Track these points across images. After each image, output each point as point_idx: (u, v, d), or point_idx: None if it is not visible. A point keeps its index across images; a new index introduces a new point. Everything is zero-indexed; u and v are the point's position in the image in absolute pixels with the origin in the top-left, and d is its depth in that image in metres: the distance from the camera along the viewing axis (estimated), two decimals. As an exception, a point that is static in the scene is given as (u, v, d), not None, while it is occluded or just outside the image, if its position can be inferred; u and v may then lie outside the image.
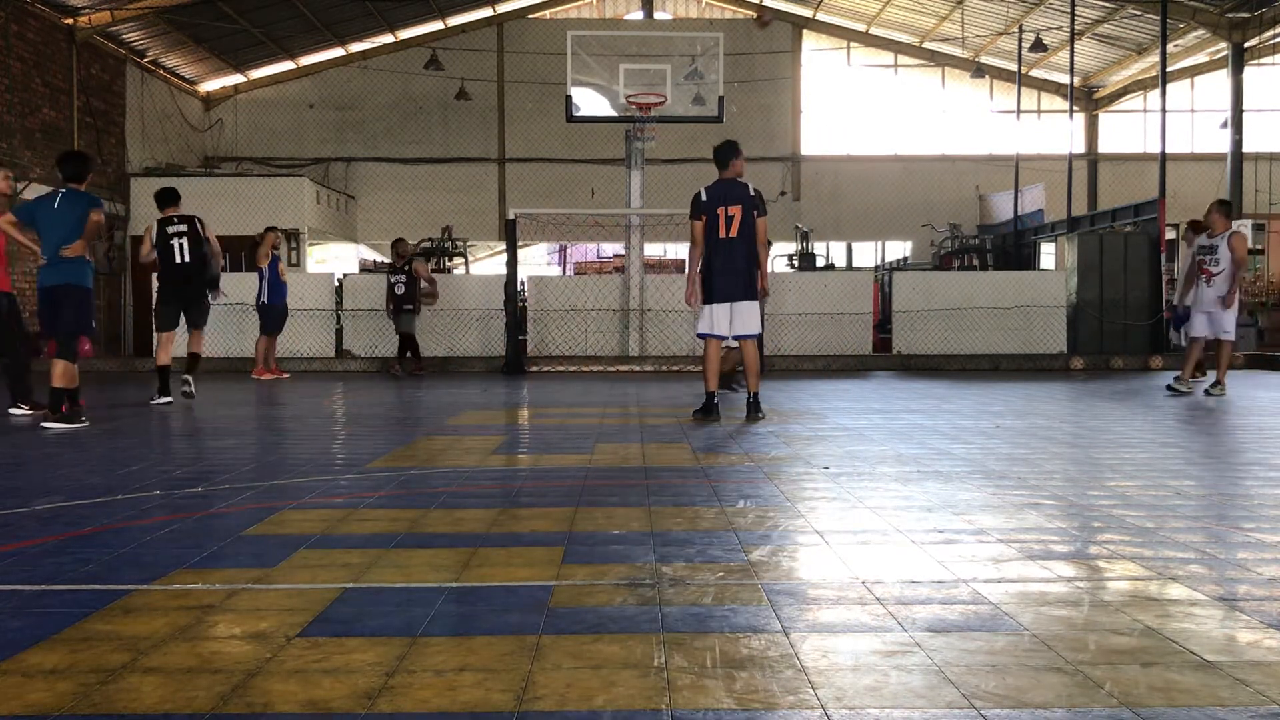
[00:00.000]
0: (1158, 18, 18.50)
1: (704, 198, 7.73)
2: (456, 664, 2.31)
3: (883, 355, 16.77)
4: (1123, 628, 2.59)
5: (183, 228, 9.78)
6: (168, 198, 9.93)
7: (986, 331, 16.65)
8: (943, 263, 23.76)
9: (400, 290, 14.80)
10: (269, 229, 14.26)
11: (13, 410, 7.99)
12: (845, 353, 16.41)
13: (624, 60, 16.06)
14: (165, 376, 9.49)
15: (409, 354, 14.85)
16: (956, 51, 26.48)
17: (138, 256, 10.88)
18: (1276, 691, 2.14)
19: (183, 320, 9.89)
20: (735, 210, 7.63)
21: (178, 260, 9.73)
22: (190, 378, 9.92)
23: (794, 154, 26.67)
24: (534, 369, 15.48)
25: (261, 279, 13.86)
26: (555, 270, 34.62)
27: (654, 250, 25.22)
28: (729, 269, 7.68)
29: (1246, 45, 20.38)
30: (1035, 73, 26.61)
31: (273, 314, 13.96)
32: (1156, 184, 17.69)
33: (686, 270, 9.50)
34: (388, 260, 29.52)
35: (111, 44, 20.25)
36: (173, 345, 9.79)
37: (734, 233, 7.63)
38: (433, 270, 22.66)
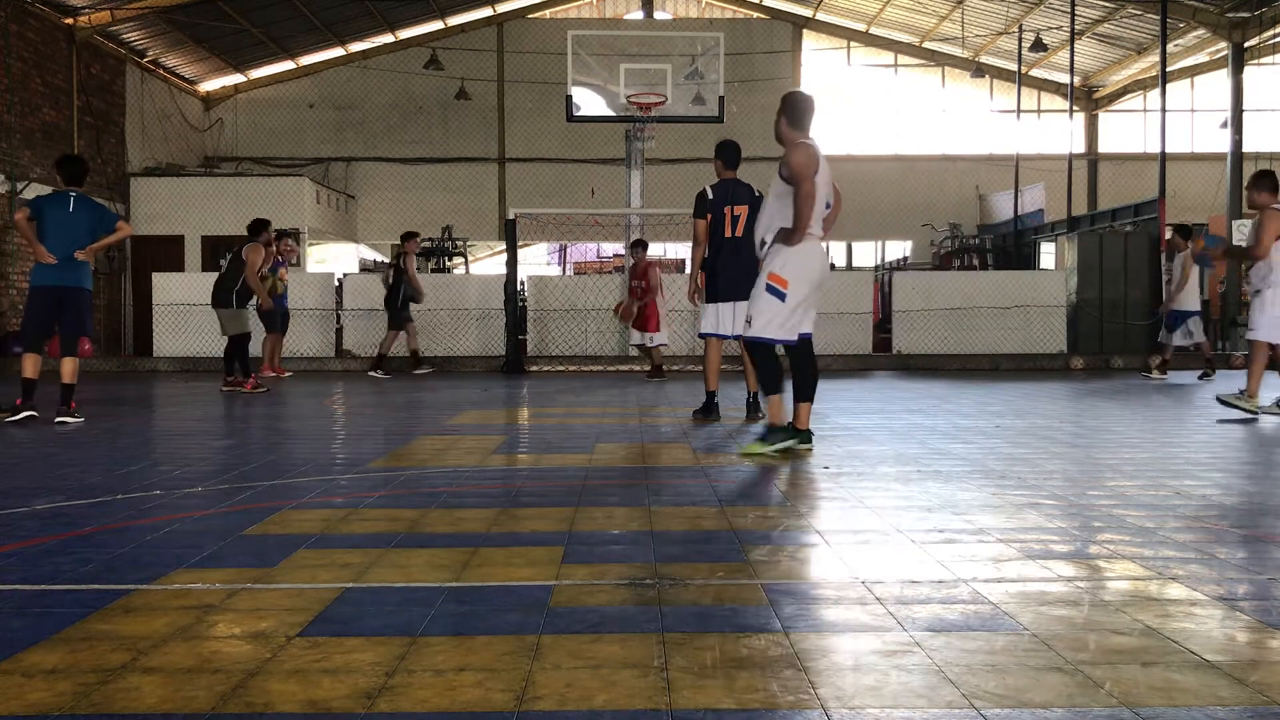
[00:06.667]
0: (1158, 17, 18.52)
1: (710, 196, 7.72)
2: (456, 664, 2.31)
3: (883, 355, 16.76)
4: (1123, 628, 2.58)
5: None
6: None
7: (986, 331, 16.64)
8: (943, 263, 23.76)
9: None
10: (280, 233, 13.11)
11: None
12: (845, 353, 16.41)
13: (624, 60, 16.05)
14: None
15: (240, 361, 11.49)
16: (956, 51, 26.48)
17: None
18: (1276, 691, 2.14)
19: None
20: (741, 210, 7.64)
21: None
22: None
23: (794, 154, 26.63)
24: (534, 369, 15.48)
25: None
26: (555, 270, 34.61)
27: (654, 250, 25.13)
28: (734, 268, 7.67)
29: (1246, 45, 20.38)
30: (1035, 72, 26.61)
31: (274, 314, 13.95)
32: (1156, 184, 17.69)
33: (689, 269, 9.52)
34: (387, 260, 29.50)
35: (111, 44, 20.25)
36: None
37: (739, 232, 7.63)
38: (433, 270, 22.63)
